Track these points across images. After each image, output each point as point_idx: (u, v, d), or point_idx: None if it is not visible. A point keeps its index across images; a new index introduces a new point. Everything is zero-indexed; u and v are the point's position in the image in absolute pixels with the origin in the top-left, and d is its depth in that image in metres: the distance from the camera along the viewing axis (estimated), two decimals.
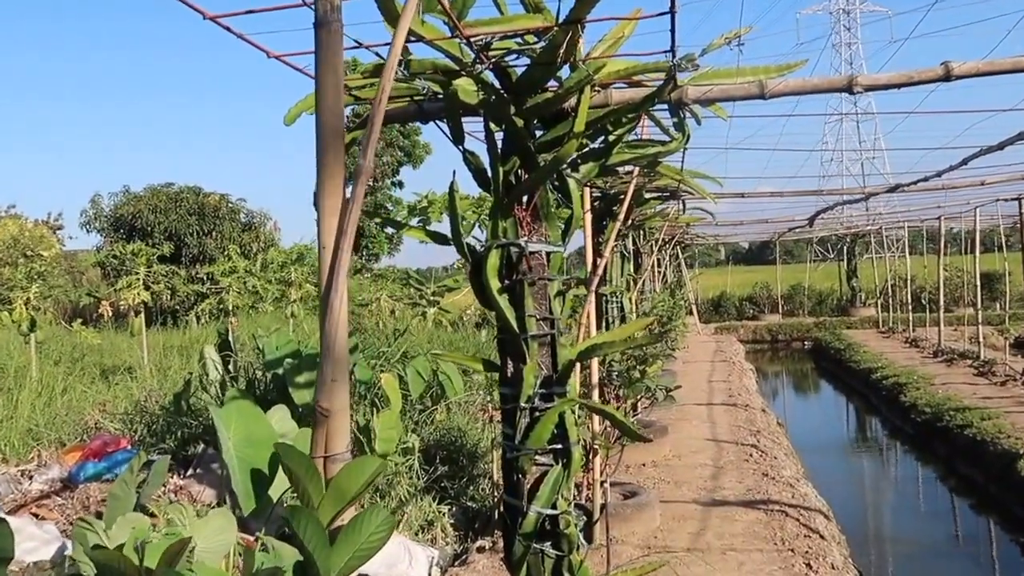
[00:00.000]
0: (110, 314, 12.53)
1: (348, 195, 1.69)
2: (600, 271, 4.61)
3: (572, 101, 2.83)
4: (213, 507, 3.86)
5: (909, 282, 20.74)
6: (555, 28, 2.53)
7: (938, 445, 9.81)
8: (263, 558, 2.78)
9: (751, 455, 7.55)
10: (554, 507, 2.86)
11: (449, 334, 12.17)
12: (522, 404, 2.88)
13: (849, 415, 15.03)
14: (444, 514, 4.96)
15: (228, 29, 2.11)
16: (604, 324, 6.58)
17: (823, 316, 25.35)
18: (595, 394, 4.98)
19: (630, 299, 7.38)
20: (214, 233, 22.10)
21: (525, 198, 2.95)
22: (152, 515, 3.42)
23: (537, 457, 2.89)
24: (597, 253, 5.19)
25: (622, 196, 5.09)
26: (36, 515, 3.84)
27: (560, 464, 2.91)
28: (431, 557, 4.32)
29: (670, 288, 13.83)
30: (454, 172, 3.02)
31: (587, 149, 3.14)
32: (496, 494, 4.66)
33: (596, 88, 2.97)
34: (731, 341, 20.21)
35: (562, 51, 2.60)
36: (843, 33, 58.31)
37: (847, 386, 16.26)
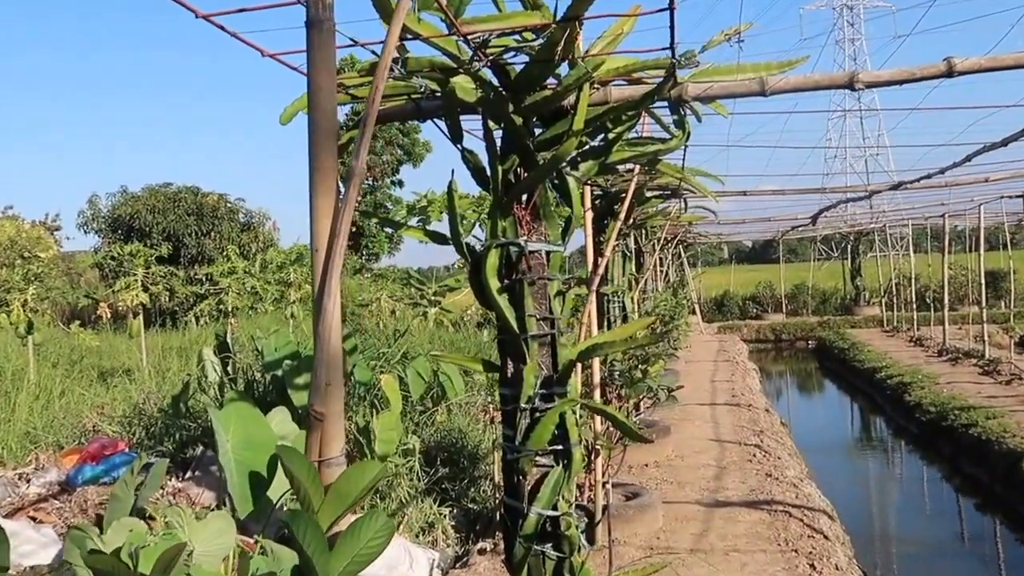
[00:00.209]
0: (108, 316, 12.51)
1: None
2: (601, 270, 4.58)
3: (571, 99, 2.81)
4: (212, 510, 3.84)
5: (913, 281, 20.66)
6: (553, 25, 2.50)
7: (943, 444, 9.77)
8: (261, 562, 2.76)
9: (754, 455, 7.51)
10: (555, 508, 2.83)
11: (451, 334, 12.15)
12: (522, 405, 2.86)
13: (853, 415, 14.97)
14: (445, 516, 4.93)
15: (222, 28, 2.08)
16: (606, 324, 6.54)
17: (827, 315, 25.27)
18: (596, 394, 4.96)
19: (632, 299, 7.35)
20: (213, 233, 22.04)
21: (524, 197, 2.93)
22: (151, 518, 3.40)
23: (538, 458, 2.86)
24: (598, 252, 5.16)
25: (623, 195, 5.06)
26: (34, 518, 3.83)
27: (561, 465, 2.88)
28: (432, 559, 4.30)
29: (672, 287, 13.79)
30: (452, 171, 3.00)
31: (587, 147, 3.11)
32: (497, 496, 4.63)
33: (595, 85, 2.94)
34: (734, 341, 20.15)
35: (560, 48, 2.57)
36: (847, 29, 58.09)
37: (851, 386, 16.20)
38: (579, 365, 4.46)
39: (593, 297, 4.48)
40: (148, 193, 22.43)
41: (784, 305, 26.47)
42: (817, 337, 22.53)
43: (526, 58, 2.74)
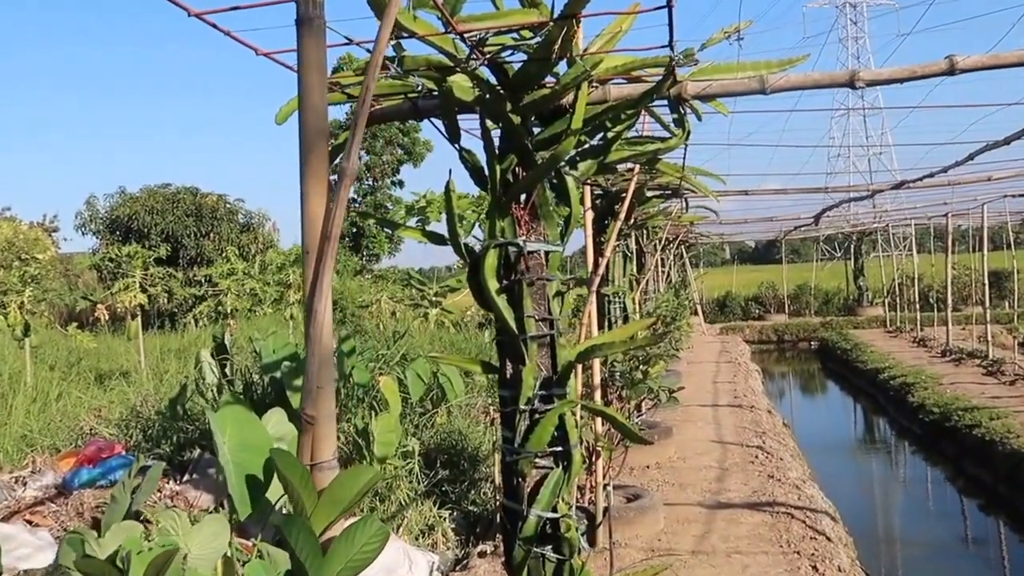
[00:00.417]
0: (106, 317, 12.47)
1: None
2: (601, 271, 4.55)
3: (569, 97, 2.78)
4: (211, 512, 3.82)
5: (916, 281, 20.61)
6: (551, 23, 2.48)
7: (946, 445, 9.72)
8: (258, 566, 2.74)
9: (756, 457, 7.48)
10: (555, 510, 2.81)
11: (451, 335, 12.12)
12: (521, 406, 2.83)
13: (856, 416, 14.92)
14: (445, 519, 4.90)
15: (214, 26, 2.06)
16: (607, 325, 6.51)
17: (830, 316, 25.22)
18: (597, 395, 4.93)
19: (633, 299, 7.32)
20: (212, 234, 21.95)
21: (523, 197, 2.90)
22: (148, 521, 3.38)
23: (537, 460, 2.84)
24: (599, 253, 5.13)
25: (623, 195, 5.03)
26: (30, 522, 3.81)
27: (560, 467, 2.85)
28: (431, 562, 4.27)
29: (674, 288, 13.75)
30: (450, 171, 2.97)
31: (586, 146, 3.09)
32: (498, 498, 4.61)
33: (594, 84, 2.92)
34: (736, 341, 20.11)
35: (557, 46, 2.54)
36: (850, 27, 57.89)
37: (854, 387, 16.15)
38: (579, 366, 4.44)
39: (593, 298, 4.46)
40: (146, 194, 22.34)
41: (787, 306, 26.42)
42: (820, 338, 22.47)
43: (524, 56, 2.72)
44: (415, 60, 2.70)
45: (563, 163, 2.92)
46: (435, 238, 3.18)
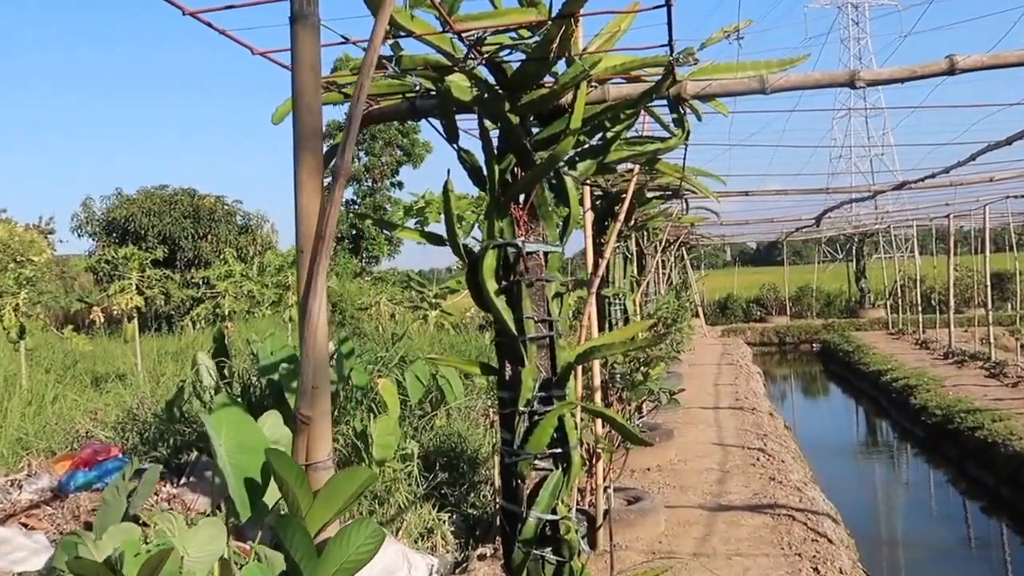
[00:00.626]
0: (102, 320, 12.43)
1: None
2: (601, 272, 4.53)
3: (568, 97, 2.76)
4: (208, 515, 3.80)
5: (918, 283, 20.56)
6: (549, 22, 2.46)
7: (949, 448, 9.69)
8: (256, 569, 2.72)
9: (758, 459, 7.45)
10: (554, 512, 2.79)
11: (451, 337, 12.09)
12: (521, 408, 2.81)
13: (858, 418, 14.88)
14: (444, 521, 4.88)
15: (209, 24, 2.05)
16: (607, 326, 6.49)
17: (831, 318, 25.18)
18: (597, 397, 4.91)
19: (634, 301, 7.30)
20: (209, 236, 21.87)
21: (522, 197, 2.89)
22: (145, 525, 3.36)
23: (536, 462, 2.82)
24: (598, 254, 5.11)
25: (623, 196, 5.01)
26: (25, 525, 3.79)
27: (560, 469, 2.83)
28: (431, 565, 4.25)
29: (675, 290, 13.73)
30: (448, 171, 2.95)
31: (585, 146, 3.07)
32: (497, 501, 4.59)
33: (593, 84, 2.90)
34: (738, 344, 20.08)
35: (556, 46, 2.53)
36: (852, 28, 57.81)
37: (856, 389, 16.11)
38: (579, 368, 4.42)
39: (593, 299, 4.44)
40: (143, 196, 22.27)
41: (788, 308, 26.38)
42: (822, 340, 22.43)
43: (522, 56, 2.70)
44: (413, 59, 2.69)
45: (562, 163, 2.90)
46: (433, 239, 3.16)
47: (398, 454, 4.90)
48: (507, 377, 2.89)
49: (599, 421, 4.86)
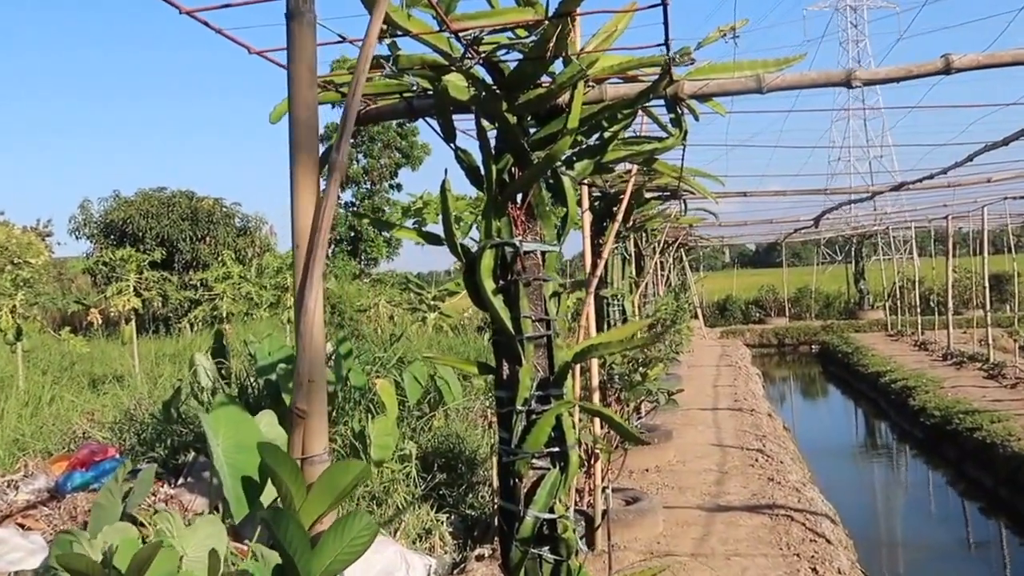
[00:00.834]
0: (100, 322, 12.41)
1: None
2: (599, 272, 4.54)
3: (566, 97, 2.77)
4: (205, 516, 3.79)
5: (917, 284, 20.57)
6: (546, 21, 2.47)
7: (947, 449, 9.69)
8: (250, 567, 2.72)
9: (756, 460, 7.45)
10: (551, 511, 2.79)
11: (450, 339, 12.09)
12: (518, 407, 2.81)
13: (857, 419, 14.89)
14: (442, 522, 4.88)
15: (206, 23, 2.05)
16: (606, 327, 6.50)
17: (830, 319, 25.19)
18: (596, 397, 4.91)
19: (632, 302, 7.31)
20: (207, 238, 21.85)
21: (519, 196, 2.89)
22: (142, 525, 3.36)
23: (534, 461, 2.82)
24: (597, 254, 5.12)
25: (622, 196, 5.02)
26: (22, 525, 3.78)
27: (557, 468, 2.83)
28: (429, 566, 4.25)
29: (674, 291, 13.73)
30: (446, 170, 2.96)
31: (582, 146, 3.07)
32: (495, 501, 4.59)
33: (590, 83, 2.91)
34: (737, 345, 20.08)
35: (552, 45, 2.53)
36: (850, 30, 57.86)
37: (855, 390, 16.12)
38: (577, 368, 4.42)
39: (591, 299, 4.44)
40: (141, 198, 22.24)
41: (787, 309, 26.39)
42: (821, 341, 22.44)
43: (519, 55, 2.70)
44: (410, 59, 2.69)
45: (559, 163, 2.91)
46: (431, 238, 3.16)
47: (396, 455, 4.90)
48: (505, 376, 2.89)
49: (597, 422, 4.86)
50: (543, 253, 2.91)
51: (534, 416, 2.81)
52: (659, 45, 2.73)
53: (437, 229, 3.04)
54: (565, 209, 3.01)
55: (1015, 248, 17.13)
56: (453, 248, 2.93)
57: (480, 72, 2.75)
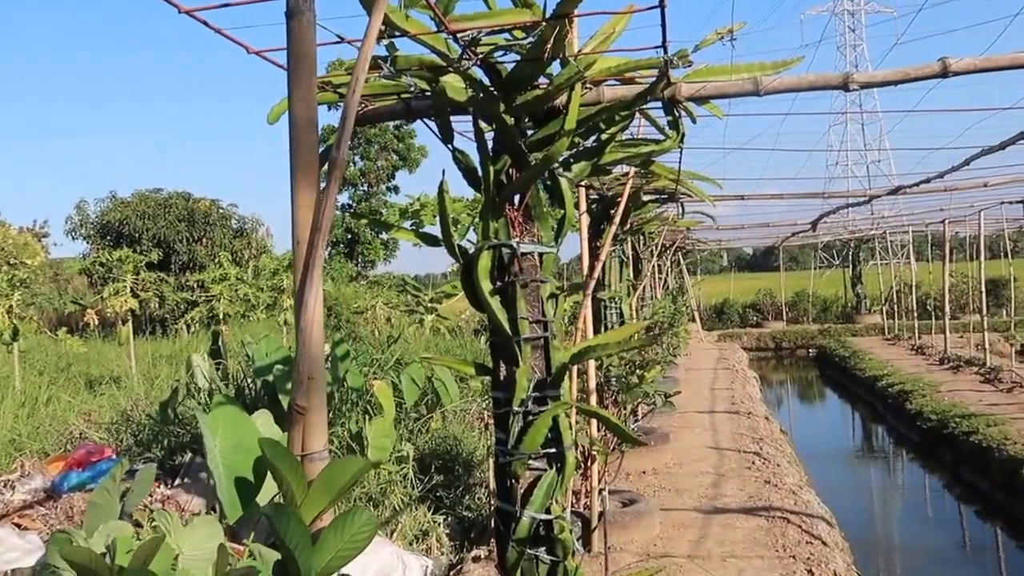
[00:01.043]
0: (96, 322, 12.40)
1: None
2: (596, 274, 4.54)
3: (563, 98, 2.78)
4: (203, 516, 3.79)
5: (914, 289, 20.61)
6: (543, 23, 2.48)
7: (944, 452, 9.71)
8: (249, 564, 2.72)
9: (753, 463, 7.46)
10: (548, 512, 2.79)
11: (447, 342, 12.09)
12: (515, 408, 2.82)
13: (854, 423, 14.90)
14: (439, 524, 4.88)
15: (205, 23, 2.06)
16: (603, 330, 6.50)
17: (828, 323, 25.22)
18: (592, 399, 4.91)
19: (630, 305, 7.31)
20: (204, 239, 21.85)
21: (517, 198, 2.90)
22: (139, 525, 3.36)
23: (531, 462, 2.82)
24: (594, 257, 5.12)
25: (619, 199, 5.03)
26: (18, 525, 3.78)
27: (554, 468, 2.84)
28: (425, 567, 4.25)
29: (671, 295, 13.74)
30: (443, 171, 2.97)
31: (579, 148, 3.08)
32: (492, 503, 4.59)
33: (588, 85, 2.92)
34: (734, 349, 20.09)
35: (550, 47, 2.54)
36: (847, 34, 58.02)
37: (852, 394, 16.14)
38: (574, 369, 4.42)
39: (588, 301, 4.44)
40: (138, 199, 22.22)
41: (785, 313, 26.42)
42: (818, 345, 22.47)
43: (517, 57, 2.71)
44: (408, 60, 2.70)
45: (557, 164, 2.91)
46: (428, 239, 3.17)
47: (393, 456, 4.91)
48: (502, 377, 2.90)
49: (594, 423, 4.86)
50: (540, 255, 2.92)
51: (531, 417, 2.82)
52: (657, 47, 2.74)
53: (434, 231, 3.04)
54: (562, 211, 3.01)
55: (1012, 253, 17.16)
56: (450, 249, 2.94)
57: (478, 73, 2.76)
